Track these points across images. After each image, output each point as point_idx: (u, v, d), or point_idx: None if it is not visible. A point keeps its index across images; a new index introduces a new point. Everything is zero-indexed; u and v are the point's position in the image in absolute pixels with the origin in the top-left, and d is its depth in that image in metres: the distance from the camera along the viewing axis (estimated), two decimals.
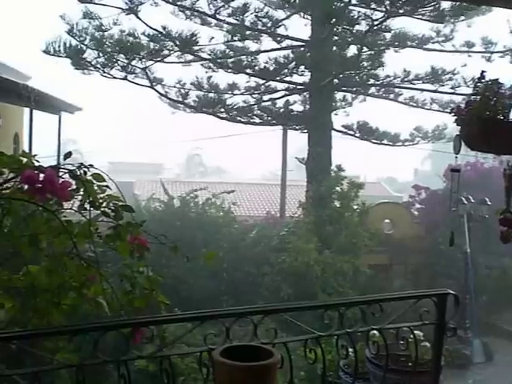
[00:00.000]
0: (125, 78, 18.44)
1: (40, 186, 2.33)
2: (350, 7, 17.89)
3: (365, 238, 16.38)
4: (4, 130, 15.76)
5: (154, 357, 3.05)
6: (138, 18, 17.92)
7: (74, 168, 2.51)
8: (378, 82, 20.06)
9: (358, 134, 20.14)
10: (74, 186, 2.52)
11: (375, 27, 17.87)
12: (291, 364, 3.14)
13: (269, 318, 3.33)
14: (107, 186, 2.66)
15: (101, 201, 2.63)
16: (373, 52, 18.77)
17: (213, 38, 18.82)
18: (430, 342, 3.87)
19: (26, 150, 11.38)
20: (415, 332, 3.63)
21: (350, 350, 3.50)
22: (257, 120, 20.09)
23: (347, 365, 4.58)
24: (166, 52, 18.30)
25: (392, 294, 3.93)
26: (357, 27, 18.22)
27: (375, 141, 20.19)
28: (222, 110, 19.56)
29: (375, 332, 3.53)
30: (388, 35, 19.12)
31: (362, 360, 4.10)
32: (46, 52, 17.35)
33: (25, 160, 2.42)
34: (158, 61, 18.45)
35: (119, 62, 17.91)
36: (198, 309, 3.58)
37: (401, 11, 17.80)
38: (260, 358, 2.58)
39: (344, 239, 16.11)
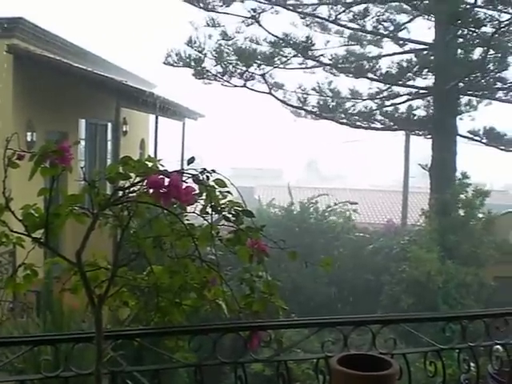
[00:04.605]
0: (244, 86, 18.79)
1: (165, 190, 2.41)
2: (476, 9, 17.27)
3: (490, 248, 15.69)
4: (131, 135, 16.51)
5: (271, 361, 3.07)
6: (260, 25, 18.24)
7: (197, 173, 2.57)
8: (506, 86, 19.20)
9: (484, 140, 19.36)
10: (197, 191, 2.58)
11: (502, 29, 17.15)
12: (410, 376, 3.06)
13: (388, 328, 3.27)
14: (228, 192, 2.70)
15: (222, 206, 2.68)
16: (499, 54, 18.01)
17: (328, 41, 18.85)
18: None
19: (152, 154, 11.86)
20: None
21: (472, 364, 3.36)
22: (378, 125, 19.82)
23: (468, 380, 4.40)
24: (285, 58, 18.45)
25: None
26: (482, 29, 17.55)
27: (503, 147, 19.33)
28: (343, 115, 19.46)
29: (499, 347, 3.37)
30: None
31: (483, 375, 3.92)
32: (166, 63, 18.04)
33: (150, 164, 2.50)
34: (278, 67, 18.64)
35: (238, 70, 18.28)
36: (314, 315, 3.57)
37: None
38: (378, 368, 2.52)
39: (468, 249, 15.51)
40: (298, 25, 19.50)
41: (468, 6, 17.34)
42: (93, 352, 2.51)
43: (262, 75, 18.62)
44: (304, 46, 17.78)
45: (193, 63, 18.02)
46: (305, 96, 19.50)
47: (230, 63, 18.09)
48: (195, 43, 17.96)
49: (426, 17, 19.11)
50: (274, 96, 19.39)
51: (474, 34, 17.76)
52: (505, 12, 17.06)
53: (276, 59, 18.22)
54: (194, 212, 2.71)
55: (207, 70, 18.27)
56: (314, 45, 17.99)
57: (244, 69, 18.22)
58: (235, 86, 18.80)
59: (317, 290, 14.77)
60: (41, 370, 2.73)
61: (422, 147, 21.59)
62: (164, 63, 18.08)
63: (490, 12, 17.27)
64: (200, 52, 18.03)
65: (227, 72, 18.33)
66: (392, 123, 19.80)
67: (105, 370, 2.65)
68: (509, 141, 19.19)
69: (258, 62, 18.03)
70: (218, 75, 18.39)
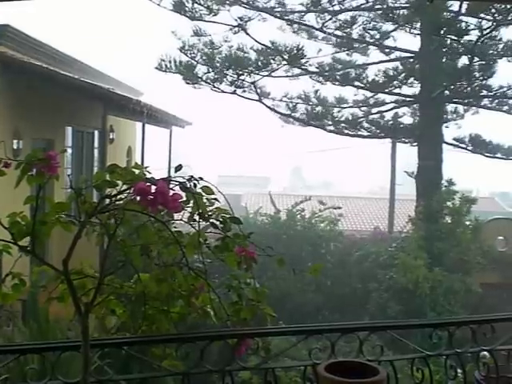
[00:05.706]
0: (234, 93, 18.80)
1: (152, 197, 2.40)
2: (459, 17, 17.40)
3: (477, 255, 15.77)
4: (117, 143, 16.45)
5: (258, 368, 3.06)
6: (247, 34, 18.26)
7: (184, 180, 2.57)
8: (491, 93, 19.34)
9: (470, 148, 19.49)
10: (184, 198, 2.58)
11: (485, 37, 17.31)
12: (397, 383, 3.06)
13: (375, 334, 3.27)
14: (216, 199, 2.70)
15: (210, 213, 2.68)
16: (484, 62, 18.15)
17: (320, 50, 18.91)
18: None
19: (139, 162, 11.80)
20: None
21: (459, 370, 3.37)
22: (364, 133, 19.87)
23: None
24: (275, 66, 18.48)
25: (505, 315, 3.74)
26: (467, 37, 17.70)
27: (488, 154, 19.46)
28: (330, 122, 19.50)
29: (486, 353, 3.38)
30: (500, 45, 18.40)
31: (470, 382, 3.93)
32: (159, 68, 18.02)
33: (137, 172, 2.50)
34: (266, 75, 18.66)
35: (228, 77, 18.29)
36: (302, 322, 3.57)
37: (510, 19, 17.03)
38: (365, 375, 2.53)
39: (455, 256, 15.57)
40: (285, 30, 19.62)
41: (451, 15, 17.47)
42: (80, 361, 2.50)
43: (252, 83, 18.63)
44: (294, 55, 17.77)
45: (185, 70, 18.01)
46: (293, 104, 19.55)
47: (222, 70, 18.10)
48: (188, 50, 17.96)
49: (408, 28, 19.13)
50: (263, 104, 19.40)
51: (459, 42, 17.88)
52: (486, 19, 17.18)
53: (266, 67, 18.23)
54: (181, 219, 2.71)
55: (199, 77, 18.28)
56: (305, 55, 17.99)
57: (235, 76, 18.23)
58: (225, 92, 18.80)
59: (305, 298, 14.76)
60: (27, 380, 2.71)
61: (409, 154, 21.72)
62: (157, 68, 18.05)
63: (473, 20, 17.41)
64: (192, 58, 18.04)
65: (218, 79, 18.33)
66: (378, 131, 19.86)
67: (92, 378, 2.63)
68: (494, 148, 19.33)
69: (249, 69, 18.03)
70: (209, 81, 18.40)
